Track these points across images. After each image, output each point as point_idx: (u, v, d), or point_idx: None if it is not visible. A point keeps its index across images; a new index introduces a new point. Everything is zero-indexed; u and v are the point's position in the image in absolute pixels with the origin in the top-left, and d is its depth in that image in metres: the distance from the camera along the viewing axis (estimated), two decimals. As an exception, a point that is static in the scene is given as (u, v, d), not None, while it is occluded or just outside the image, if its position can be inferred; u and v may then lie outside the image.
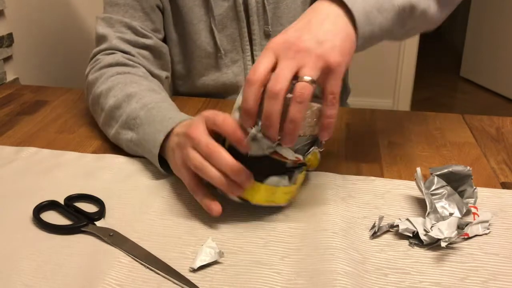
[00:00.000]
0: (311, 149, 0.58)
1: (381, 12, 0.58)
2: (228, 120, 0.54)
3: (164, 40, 0.93)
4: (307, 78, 0.51)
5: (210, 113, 0.57)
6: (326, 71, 0.52)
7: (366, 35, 0.57)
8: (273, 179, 0.56)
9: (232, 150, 0.55)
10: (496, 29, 3.02)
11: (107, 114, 0.75)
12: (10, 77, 1.18)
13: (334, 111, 0.54)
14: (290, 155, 0.55)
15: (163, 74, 0.89)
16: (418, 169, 0.60)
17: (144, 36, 0.87)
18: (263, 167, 0.55)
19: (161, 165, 0.66)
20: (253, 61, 0.93)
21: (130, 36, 0.85)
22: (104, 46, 0.85)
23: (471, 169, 0.60)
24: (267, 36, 0.91)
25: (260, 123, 0.53)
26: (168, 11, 0.91)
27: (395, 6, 0.59)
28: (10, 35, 1.18)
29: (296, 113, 0.51)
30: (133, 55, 0.84)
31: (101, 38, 0.86)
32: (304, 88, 0.51)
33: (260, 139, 0.53)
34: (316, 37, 0.53)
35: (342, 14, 0.55)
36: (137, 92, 0.73)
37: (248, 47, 0.92)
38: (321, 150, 0.59)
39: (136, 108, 0.71)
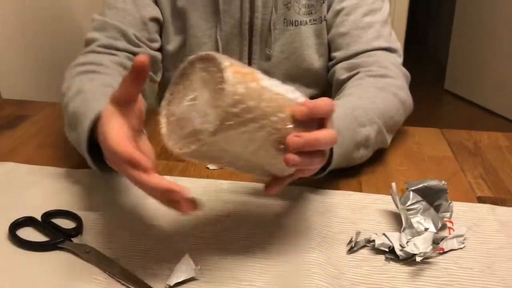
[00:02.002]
0: None
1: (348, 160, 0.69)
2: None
3: (160, 49, 0.93)
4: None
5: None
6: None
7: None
8: None
9: None
10: (480, 42, 3.07)
11: (64, 115, 0.72)
12: (-9, 91, 1.17)
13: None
14: None
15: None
16: (393, 184, 0.61)
17: (136, 45, 0.86)
18: None
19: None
20: None
21: (122, 43, 0.85)
22: (88, 49, 0.84)
23: (446, 183, 0.61)
24: (268, 58, 0.91)
25: None
26: (169, 23, 0.90)
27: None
28: (-8, 49, 1.17)
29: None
30: (116, 56, 0.83)
31: (89, 42, 0.86)
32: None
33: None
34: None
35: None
36: (85, 88, 0.69)
37: (246, 64, 0.92)
38: None
39: (77, 105, 0.67)
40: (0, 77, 1.22)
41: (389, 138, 0.75)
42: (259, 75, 0.50)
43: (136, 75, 0.49)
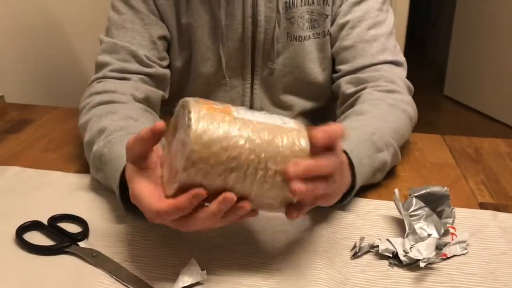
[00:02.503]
0: None
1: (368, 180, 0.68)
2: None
3: (168, 66, 0.93)
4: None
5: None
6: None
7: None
8: None
9: None
10: (480, 47, 3.08)
11: (85, 151, 0.73)
12: (-5, 95, 1.18)
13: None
14: None
15: (160, 93, 0.88)
16: (396, 191, 0.61)
17: (148, 66, 0.85)
18: None
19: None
20: (252, 88, 0.93)
21: (134, 66, 0.84)
22: (101, 74, 0.84)
23: (448, 189, 0.61)
24: (270, 72, 0.91)
25: None
26: (176, 40, 0.90)
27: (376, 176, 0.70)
28: (-4, 53, 1.18)
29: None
30: (128, 79, 0.83)
31: (101, 66, 0.85)
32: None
33: None
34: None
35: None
36: (107, 127, 0.70)
37: (249, 75, 0.92)
38: None
39: (100, 145, 0.67)
40: (3, 81, 1.22)
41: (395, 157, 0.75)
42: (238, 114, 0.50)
43: (153, 137, 0.52)
